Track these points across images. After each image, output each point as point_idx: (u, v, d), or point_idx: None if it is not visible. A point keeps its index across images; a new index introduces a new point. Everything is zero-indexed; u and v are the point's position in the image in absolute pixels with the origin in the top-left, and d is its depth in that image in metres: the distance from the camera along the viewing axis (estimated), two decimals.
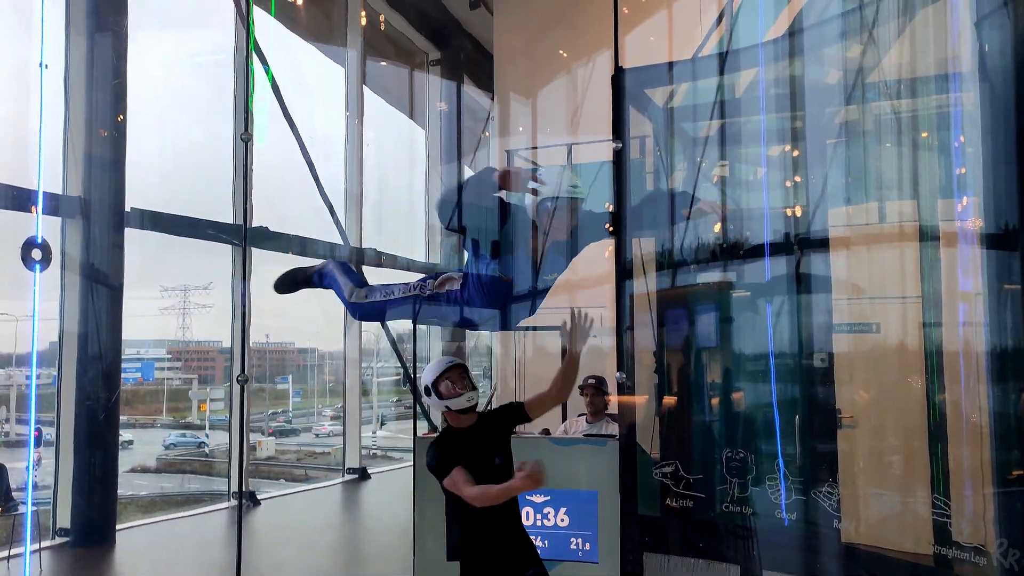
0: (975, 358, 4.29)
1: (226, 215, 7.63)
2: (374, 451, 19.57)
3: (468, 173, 11.91)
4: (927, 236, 4.82)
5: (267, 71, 7.29)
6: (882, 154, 5.05)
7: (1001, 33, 3.23)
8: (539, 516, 5.42)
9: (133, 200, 6.47)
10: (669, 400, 5.55)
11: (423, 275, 4.46)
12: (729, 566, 4.90)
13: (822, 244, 5.35)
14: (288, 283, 4.64)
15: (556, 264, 4.35)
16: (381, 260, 9.84)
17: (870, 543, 4.53)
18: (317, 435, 25.83)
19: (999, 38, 3.27)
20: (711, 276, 5.74)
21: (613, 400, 5.95)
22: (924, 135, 4.82)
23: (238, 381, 5.14)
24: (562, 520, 5.41)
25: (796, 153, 5.42)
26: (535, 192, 4.17)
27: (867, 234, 5.22)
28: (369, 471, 10.50)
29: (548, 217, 4.13)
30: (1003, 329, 4.05)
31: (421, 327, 10.76)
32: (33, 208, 4.92)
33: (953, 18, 3.89)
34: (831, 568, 4.53)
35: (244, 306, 5.66)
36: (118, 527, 6.91)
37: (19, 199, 5.42)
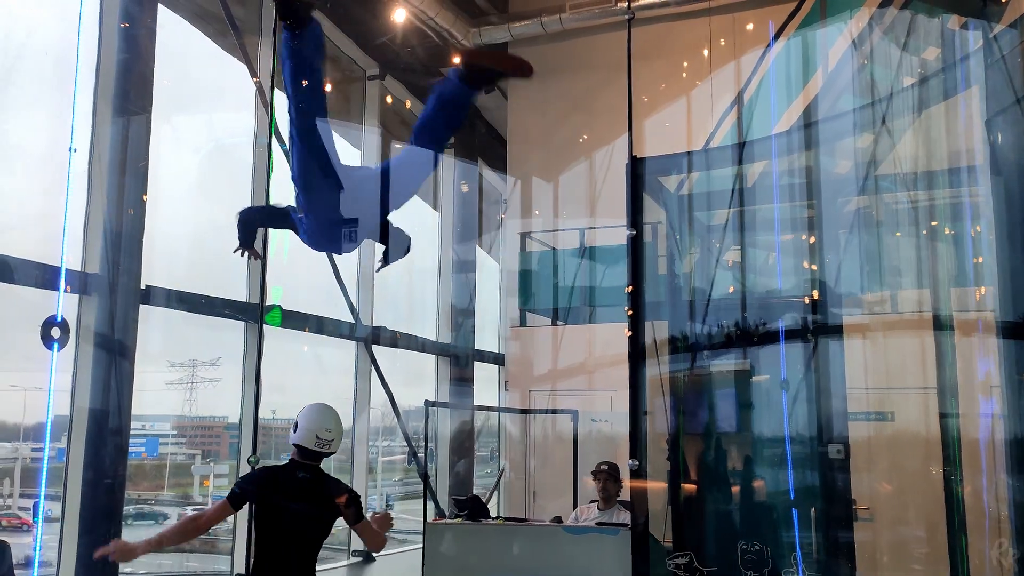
0: (994, 448, 4.25)
1: (239, 292, 7.69)
2: None
3: (480, 253, 12.04)
4: (942, 325, 4.84)
5: (288, 159, 7.49)
6: (895, 243, 5.11)
7: (1012, 130, 3.30)
8: None
9: (149, 278, 6.55)
10: (688, 487, 5.47)
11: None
12: None
13: (836, 331, 5.36)
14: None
15: None
16: (397, 339, 9.86)
17: None
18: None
19: (1011, 135, 3.34)
20: (725, 361, 5.73)
21: (626, 485, 5.86)
22: (934, 224, 4.88)
23: (249, 462, 5.11)
24: None
25: (812, 241, 5.49)
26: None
27: (882, 322, 5.24)
28: (374, 554, 10.26)
29: None
30: (1021, 419, 4.02)
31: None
32: (66, 288, 5.02)
33: (964, 115, 3.99)
34: None
35: (257, 385, 5.65)
36: None
37: (41, 276, 5.49)
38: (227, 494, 3.92)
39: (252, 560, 4.01)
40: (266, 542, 3.88)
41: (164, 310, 6.90)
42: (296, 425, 3.94)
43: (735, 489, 5.41)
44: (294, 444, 3.93)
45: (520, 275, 9.08)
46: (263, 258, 5.56)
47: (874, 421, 5.47)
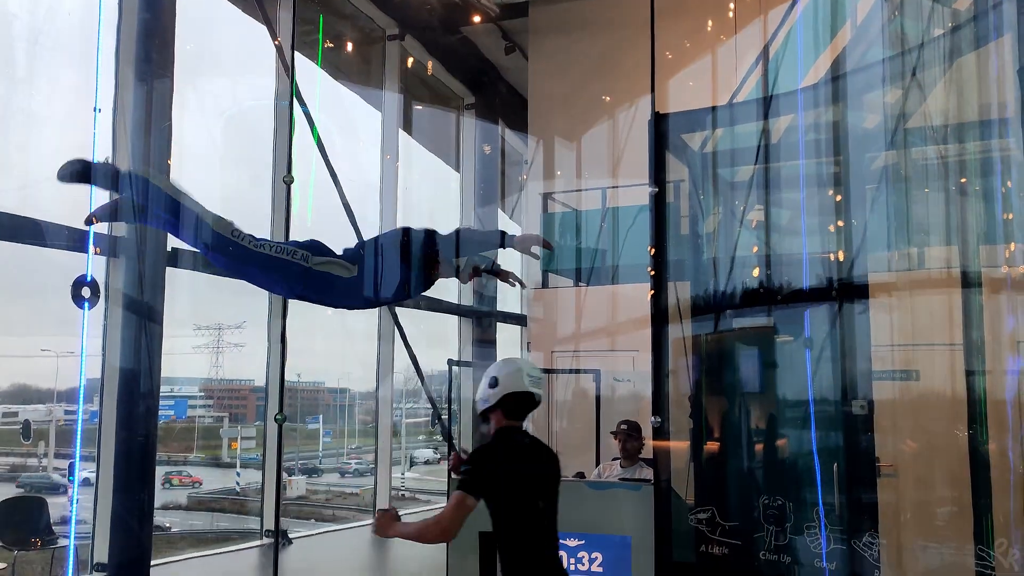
0: (1020, 406, 4.22)
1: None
2: (403, 492, 19.51)
3: (502, 217, 12.01)
4: (970, 282, 4.78)
5: (310, 121, 7.47)
6: (923, 199, 5.04)
7: None
8: (573, 561, 5.36)
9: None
10: (711, 446, 5.49)
11: (291, 241, 3.99)
12: None
13: (862, 290, 5.31)
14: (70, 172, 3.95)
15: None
16: (419, 302, 9.91)
17: None
18: (343, 474, 25.83)
19: None
20: (748, 321, 5.71)
21: (648, 444, 5.90)
22: (963, 180, 4.80)
23: (276, 420, 5.18)
24: (596, 565, 5.33)
25: (839, 198, 5.42)
26: (536, 256, 4.30)
27: (908, 280, 5.18)
28: (399, 513, 10.44)
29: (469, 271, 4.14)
30: None
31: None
32: (95, 250, 5.01)
33: (996, 64, 3.90)
34: None
35: (283, 345, 5.70)
36: (153, 563, 6.93)
37: (71, 239, 5.57)
38: (457, 488, 3.29)
39: (504, 558, 3.36)
40: (518, 527, 3.30)
41: (190, 274, 6.99)
42: (493, 382, 3.39)
43: (758, 447, 5.43)
44: (498, 404, 3.36)
45: (544, 237, 9.06)
46: (287, 219, 5.59)
47: (899, 380, 5.43)
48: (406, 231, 4.15)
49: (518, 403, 3.38)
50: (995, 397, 4.58)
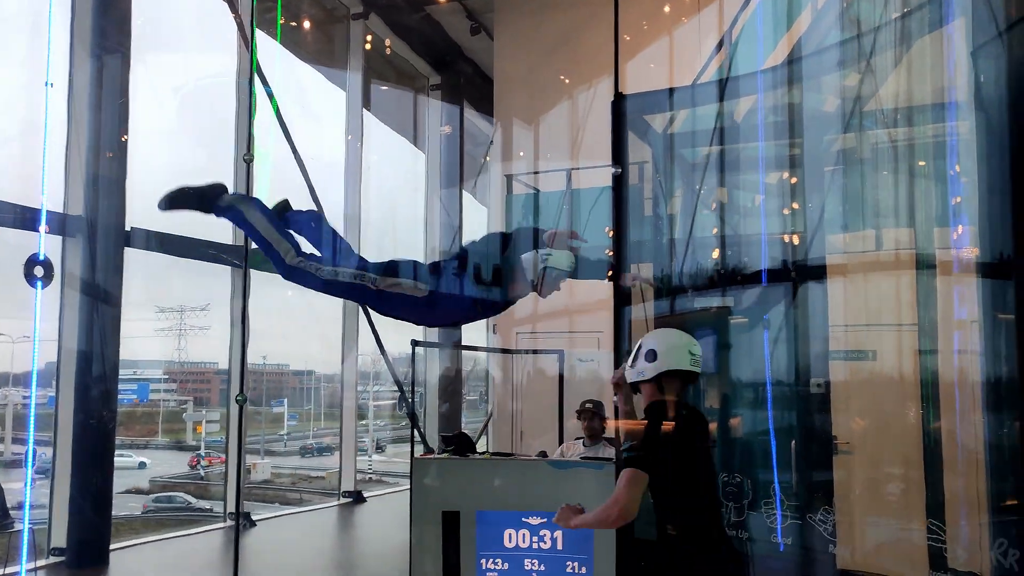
0: (970, 387, 4.30)
1: (225, 236, 7.66)
2: (370, 475, 19.49)
3: (468, 199, 11.97)
4: (923, 264, 4.86)
5: (271, 99, 7.35)
6: (879, 182, 5.11)
7: (996, 63, 3.28)
8: (535, 539, 5.40)
9: (134, 220, 6.51)
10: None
11: (357, 256, 4.03)
12: None
13: (819, 271, 5.38)
14: (174, 200, 4.06)
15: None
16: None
17: (866, 569, 4.53)
18: (303, 455, 25.69)
19: (994, 68, 3.32)
20: (708, 302, 5.77)
21: (611, 424, 5.95)
22: (921, 164, 4.87)
23: (237, 401, 5.14)
24: (559, 543, 5.38)
25: (794, 180, 5.48)
26: (575, 250, 4.15)
27: (864, 262, 5.26)
28: (364, 495, 10.44)
29: (540, 276, 4.05)
30: (998, 358, 4.07)
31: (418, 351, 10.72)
32: (45, 228, 4.91)
33: (950, 48, 3.96)
34: None
35: (244, 326, 5.64)
36: (112, 547, 6.87)
37: (22, 217, 5.45)
38: (625, 463, 3.14)
39: (681, 531, 3.24)
40: (689, 498, 3.19)
41: (149, 256, 6.88)
42: (651, 355, 3.19)
43: (713, 426, 5.50)
44: (655, 377, 3.17)
45: (506, 218, 9.04)
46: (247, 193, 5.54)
47: (855, 360, 5.53)
48: (472, 254, 4.04)
49: (675, 381, 3.18)
50: (946, 377, 4.67)
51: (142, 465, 23.12)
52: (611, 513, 3.14)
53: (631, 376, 3.26)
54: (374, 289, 3.86)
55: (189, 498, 20.49)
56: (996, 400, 4.06)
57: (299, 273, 3.91)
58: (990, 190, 3.81)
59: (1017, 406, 3.67)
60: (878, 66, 4.60)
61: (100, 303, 6.09)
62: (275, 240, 3.95)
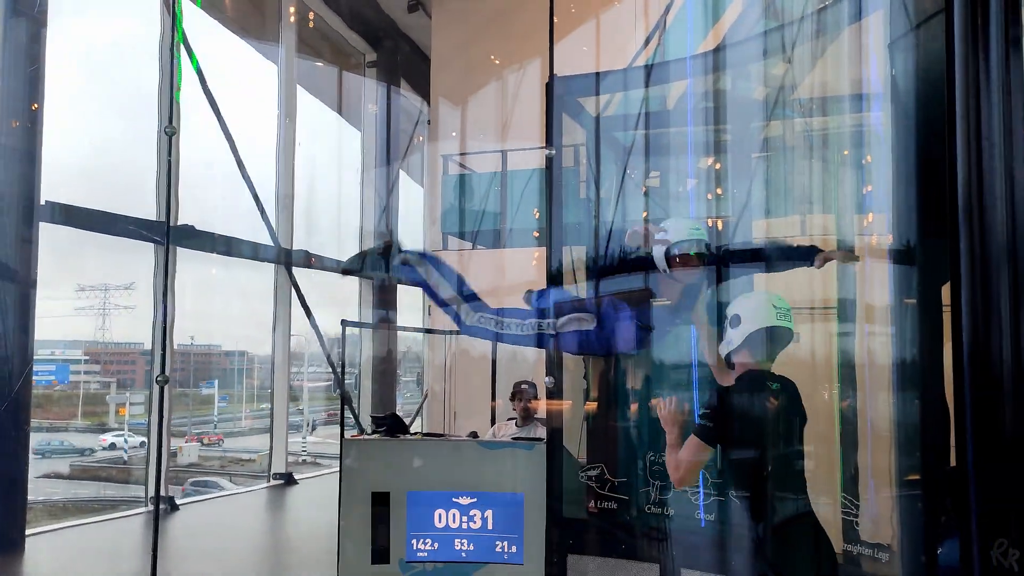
0: (880, 368, 4.47)
1: (149, 212, 7.45)
2: (303, 457, 19.28)
3: (403, 177, 11.87)
4: (842, 249, 5.01)
5: (193, 61, 7.13)
6: (803, 169, 5.25)
7: (909, 55, 3.40)
8: (465, 519, 5.44)
9: (48, 194, 6.25)
10: (592, 405, 5.64)
11: (530, 308, 4.11)
12: (649, 565, 5.00)
13: (745, 256, 5.50)
14: (355, 262, 4.31)
15: (688, 303, 4.18)
16: (312, 262, 9.72)
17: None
18: (187, 442, 25.23)
19: (907, 61, 3.44)
20: (636, 284, 5.85)
21: (542, 405, 6.01)
22: (846, 152, 5.02)
23: (157, 382, 5.01)
24: (489, 523, 5.43)
25: (718, 166, 5.59)
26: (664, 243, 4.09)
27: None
28: (296, 477, 10.34)
29: (676, 262, 3.95)
30: (905, 341, 4.22)
31: (353, 331, 10.63)
32: None
33: (867, 40, 4.08)
34: (744, 566, 4.67)
35: (165, 303, 5.51)
36: (28, 532, 6.66)
37: None
38: (695, 430, 3.01)
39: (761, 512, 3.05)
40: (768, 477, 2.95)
41: (71, 231, 6.63)
42: (735, 320, 3.01)
43: (633, 407, 5.60)
44: (744, 343, 2.96)
45: (442, 199, 9.02)
46: (168, 172, 5.36)
47: None
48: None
49: (766, 341, 2.97)
50: (859, 359, 4.83)
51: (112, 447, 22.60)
52: (674, 478, 3.21)
53: (723, 350, 3.13)
54: (551, 335, 4.00)
55: (224, 482, 19.81)
56: (902, 380, 4.23)
57: (477, 329, 4.08)
58: (899, 180, 3.96)
59: (921, 386, 3.83)
60: (801, 56, 4.72)
61: (10, 279, 5.85)
62: (455, 300, 3.99)
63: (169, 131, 5.06)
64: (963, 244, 1.69)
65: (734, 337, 3.04)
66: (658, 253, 3.42)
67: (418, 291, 12.07)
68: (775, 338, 3.01)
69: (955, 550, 4.19)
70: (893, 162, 3.76)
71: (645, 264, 5.64)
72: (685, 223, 3.62)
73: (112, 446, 22.57)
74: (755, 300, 3.12)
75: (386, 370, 10.99)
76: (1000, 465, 1.91)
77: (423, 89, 10.66)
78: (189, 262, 7.85)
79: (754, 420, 3.01)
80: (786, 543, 3.12)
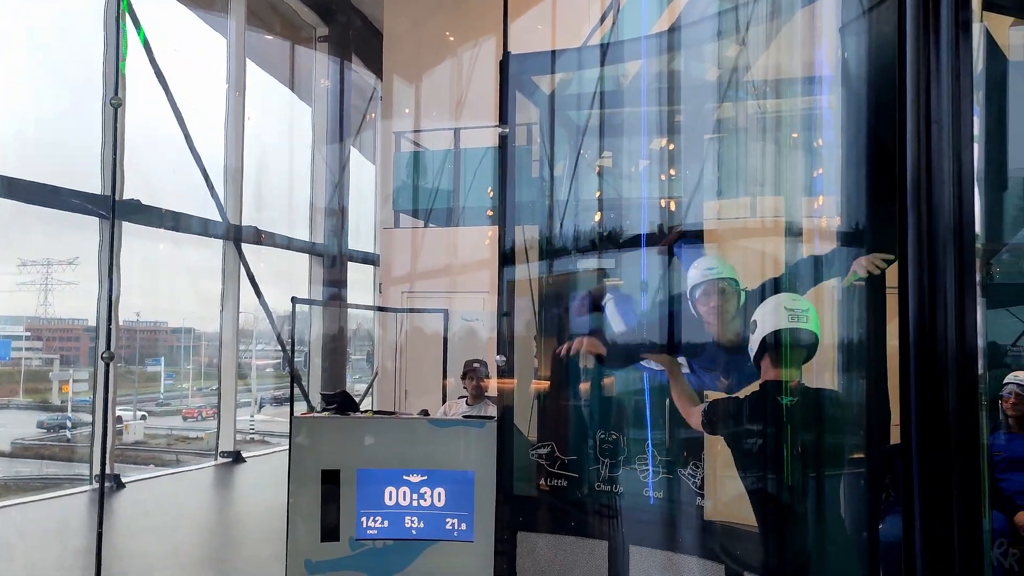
0: (826, 348, 4.56)
1: (94, 186, 7.22)
2: (252, 435, 19.06)
3: (355, 154, 11.72)
4: (792, 231, 5.10)
5: (139, 32, 6.91)
6: (755, 151, 5.30)
7: (860, 39, 3.45)
8: (416, 496, 5.43)
9: None
10: (542, 384, 5.66)
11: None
12: (598, 542, 5.06)
13: (697, 236, 5.56)
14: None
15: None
16: (261, 238, 9.56)
17: (729, 519, 4.77)
18: (185, 418, 24.92)
19: (858, 45, 3.49)
20: (590, 264, 5.88)
21: (493, 384, 6.02)
22: (796, 135, 5.08)
23: (103, 358, 4.89)
24: (439, 500, 5.43)
25: (671, 147, 5.62)
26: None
27: (737, 228, 5.46)
28: (244, 455, 10.22)
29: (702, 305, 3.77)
30: (851, 322, 4.31)
31: (303, 308, 10.50)
32: None
33: (820, 23, 4.12)
34: (691, 541, 4.76)
35: (111, 278, 5.36)
36: None
37: None
38: (703, 408, 3.00)
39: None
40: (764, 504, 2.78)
41: (12, 206, 6.41)
42: (753, 325, 2.92)
43: (583, 386, 5.65)
44: (760, 349, 2.81)
45: (394, 176, 8.93)
46: (114, 145, 5.17)
47: None
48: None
49: (780, 348, 2.81)
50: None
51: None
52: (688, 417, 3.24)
53: (753, 356, 3.00)
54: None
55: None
56: (847, 361, 4.32)
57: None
58: (849, 163, 4.02)
59: (865, 367, 3.92)
60: (755, 38, 4.75)
61: None
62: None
63: (115, 102, 4.88)
64: (911, 224, 1.72)
65: (753, 343, 2.96)
66: (753, 344, 3.10)
67: (369, 269, 12.01)
68: (792, 343, 2.88)
69: (896, 526, 4.33)
70: (843, 145, 3.82)
71: (600, 245, 5.67)
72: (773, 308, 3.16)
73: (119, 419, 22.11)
74: (770, 303, 3.01)
75: (336, 348, 10.90)
76: (943, 444, 1.95)
77: (376, 65, 10.50)
78: (135, 238, 7.66)
79: (755, 433, 2.91)
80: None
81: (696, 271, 3.75)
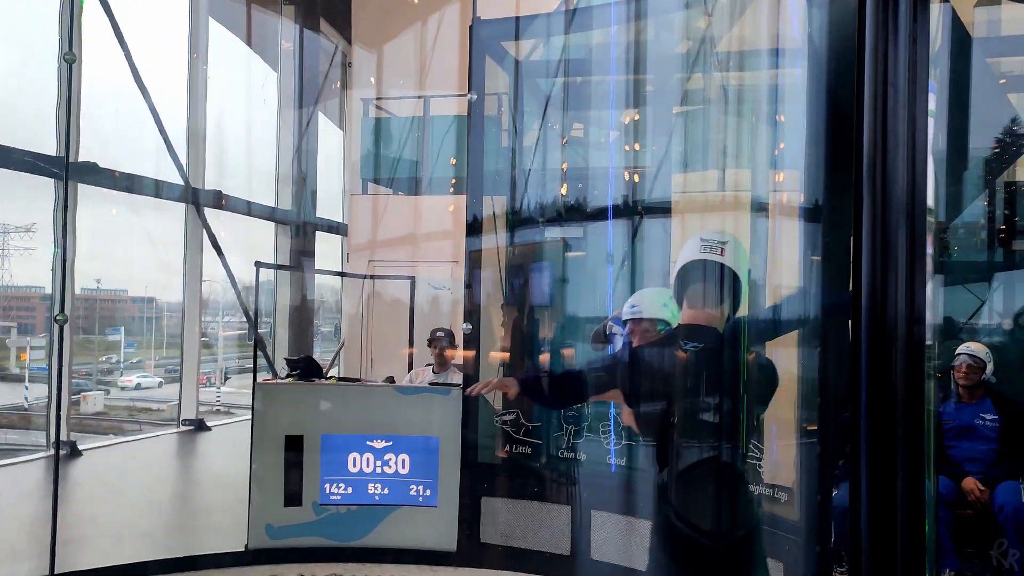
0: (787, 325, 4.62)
1: (49, 148, 7.05)
2: (217, 407, 18.93)
3: (323, 120, 11.55)
4: (757, 205, 5.15)
5: None
6: (722, 124, 5.33)
7: (823, 12, 3.47)
8: (380, 463, 5.45)
9: None
10: (502, 354, 5.69)
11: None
12: (560, 507, 5.13)
13: (664, 209, 5.60)
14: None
15: None
16: (223, 203, 9.41)
17: None
18: (123, 388, 24.62)
19: (821, 16, 3.51)
20: (555, 235, 5.89)
21: (459, 352, 6.03)
22: (763, 109, 5.11)
23: (56, 320, 4.80)
24: (403, 467, 5.46)
25: (638, 117, 5.63)
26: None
27: (701, 201, 5.51)
28: (208, 424, 10.14)
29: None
30: (809, 298, 4.37)
31: (267, 276, 10.38)
32: None
33: None
34: (648, 507, 4.84)
35: (65, 240, 5.25)
36: None
37: None
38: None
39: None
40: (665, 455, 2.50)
41: None
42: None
43: (543, 357, 5.68)
44: (677, 284, 2.56)
45: (361, 143, 8.83)
46: (68, 102, 5.01)
47: None
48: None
49: (689, 278, 2.52)
50: (768, 315, 4.97)
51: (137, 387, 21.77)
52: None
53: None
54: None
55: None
56: (806, 335, 4.38)
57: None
58: (811, 137, 4.05)
59: (823, 340, 3.99)
60: (722, 10, 4.76)
61: None
62: None
63: (69, 58, 4.73)
64: (865, 191, 1.74)
65: (672, 278, 2.71)
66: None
67: (336, 239, 11.89)
68: (698, 277, 2.56)
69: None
70: (806, 118, 3.85)
71: (567, 215, 5.67)
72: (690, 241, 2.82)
73: (138, 386, 21.85)
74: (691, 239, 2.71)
75: (302, 317, 10.82)
76: (890, 410, 2.00)
77: (342, 30, 10.34)
78: (92, 203, 7.50)
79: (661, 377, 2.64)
80: (691, 487, 2.76)
81: (625, 306, 3.63)
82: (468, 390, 2.94)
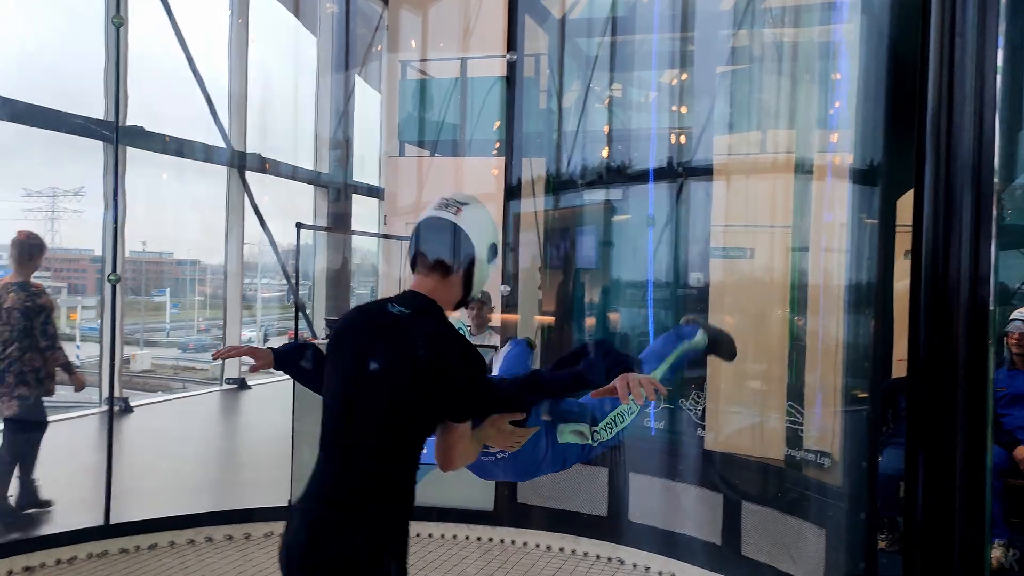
0: (834, 288, 4.55)
1: (95, 111, 7.13)
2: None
3: (360, 83, 11.53)
4: (802, 167, 5.03)
5: None
6: (770, 84, 5.20)
7: None
8: None
9: None
10: (546, 318, 5.68)
11: None
12: (599, 468, 5.14)
13: (706, 171, 5.49)
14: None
15: None
16: (266, 167, 9.48)
17: (728, 450, 4.84)
18: (184, 350, 25.14)
19: None
20: (597, 198, 5.84)
21: (496, 315, 6.03)
22: (815, 67, 4.96)
23: (109, 280, 4.88)
24: None
25: (684, 77, 5.50)
26: None
27: (746, 163, 5.40)
28: (249, 383, 10.33)
29: None
30: (861, 261, 4.28)
31: (307, 237, 10.47)
32: None
33: None
34: (690, 471, 4.83)
35: (116, 203, 5.32)
36: None
37: None
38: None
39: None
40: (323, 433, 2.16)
41: (16, 132, 6.34)
42: None
43: (589, 321, 5.66)
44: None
45: (400, 105, 8.79)
46: (117, 66, 5.05)
47: (732, 259, 5.73)
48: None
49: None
50: (813, 278, 4.90)
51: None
52: None
53: None
54: None
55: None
56: (856, 301, 4.30)
57: None
58: (867, 97, 3.93)
59: (874, 307, 3.91)
60: None
61: None
62: None
63: (116, 21, 4.73)
64: (928, 145, 1.68)
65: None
66: None
67: (373, 202, 11.93)
68: (429, 238, 2.24)
69: (894, 458, 4.38)
70: (860, 76, 3.73)
71: (608, 178, 5.58)
72: None
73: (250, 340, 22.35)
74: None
75: (341, 279, 10.91)
76: (951, 378, 1.94)
77: None
78: (139, 167, 7.60)
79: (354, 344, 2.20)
80: None
81: None
82: (213, 353, 2.36)
